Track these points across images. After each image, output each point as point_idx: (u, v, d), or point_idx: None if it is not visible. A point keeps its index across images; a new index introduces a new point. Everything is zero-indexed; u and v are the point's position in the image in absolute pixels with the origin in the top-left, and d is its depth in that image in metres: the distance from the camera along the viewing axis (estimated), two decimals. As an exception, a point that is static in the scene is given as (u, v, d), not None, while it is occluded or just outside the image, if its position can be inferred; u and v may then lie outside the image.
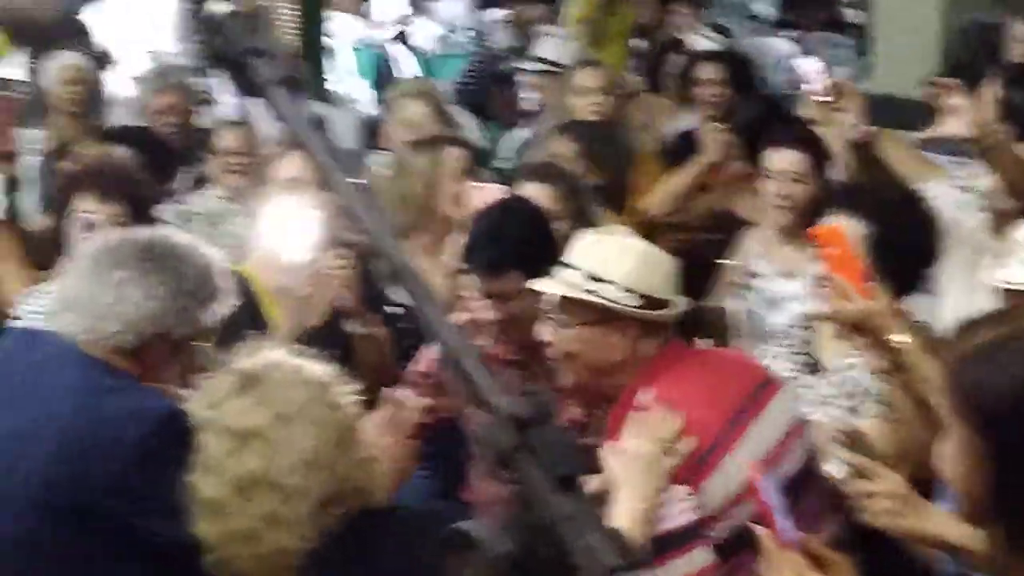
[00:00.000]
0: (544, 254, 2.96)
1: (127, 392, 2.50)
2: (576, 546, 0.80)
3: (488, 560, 0.91)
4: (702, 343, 3.42)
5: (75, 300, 2.53)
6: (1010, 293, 2.62)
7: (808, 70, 4.67)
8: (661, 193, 4.61)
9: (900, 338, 2.69)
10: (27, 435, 2.50)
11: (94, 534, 2.48)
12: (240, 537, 2.21)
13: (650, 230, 3.81)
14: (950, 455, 1.65)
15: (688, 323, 3.13)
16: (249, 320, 3.25)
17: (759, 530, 2.01)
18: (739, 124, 4.70)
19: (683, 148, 5.18)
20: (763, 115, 4.89)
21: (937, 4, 6.86)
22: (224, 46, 0.96)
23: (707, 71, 5.79)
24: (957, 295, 3.36)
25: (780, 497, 2.22)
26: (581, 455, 0.88)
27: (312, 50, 8.20)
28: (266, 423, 2.20)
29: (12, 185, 4.73)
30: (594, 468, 2.03)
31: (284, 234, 3.41)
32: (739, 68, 6.06)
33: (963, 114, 3.77)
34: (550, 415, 0.86)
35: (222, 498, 2.21)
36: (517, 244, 3.08)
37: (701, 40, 8.20)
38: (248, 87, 0.99)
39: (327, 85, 8.12)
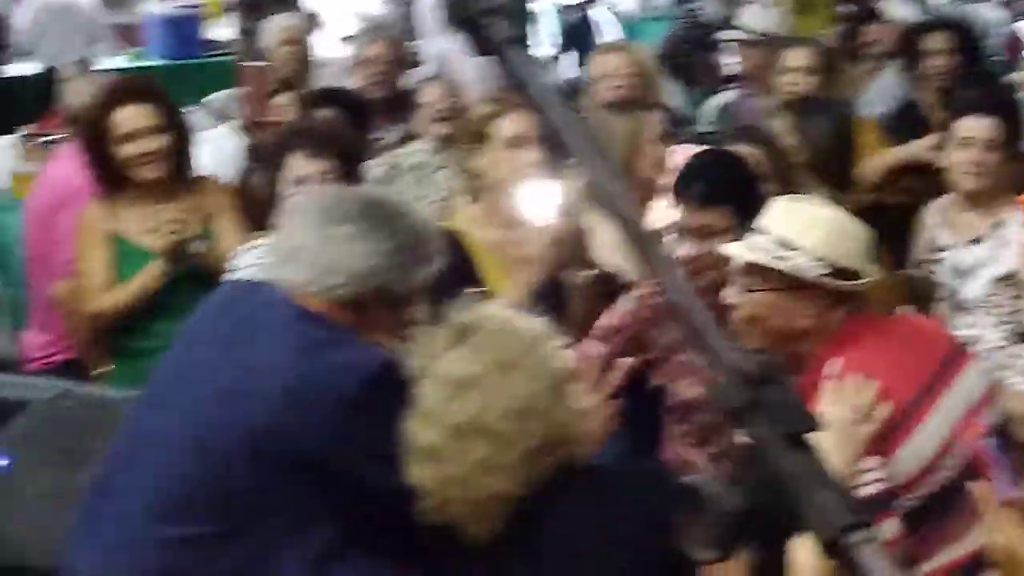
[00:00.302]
0: (752, 200, 3.03)
1: (345, 344, 2.60)
2: (807, 503, 0.82)
3: (718, 516, 0.92)
4: (903, 310, 3.42)
5: (297, 253, 2.61)
6: None
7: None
8: (880, 165, 4.49)
9: None
10: (244, 387, 2.56)
11: (312, 483, 2.58)
12: (455, 482, 2.32)
13: (863, 202, 3.92)
14: None
15: (891, 291, 3.39)
16: (461, 276, 3.26)
17: (976, 485, 2.05)
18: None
19: (906, 120, 5.07)
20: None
21: None
22: (462, 4, 1.01)
23: (935, 41, 5.54)
24: None
25: (998, 452, 2.44)
26: (811, 414, 0.87)
27: (516, 13, 8.78)
28: (482, 371, 2.30)
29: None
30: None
31: (519, 193, 3.42)
32: (966, 37, 5.79)
33: None
34: (781, 374, 0.88)
35: (438, 444, 2.31)
36: (728, 181, 3.19)
37: (900, 8, 8.08)
38: (483, 46, 1.02)
39: (530, 49, 8.84)
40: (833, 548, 0.86)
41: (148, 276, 3.87)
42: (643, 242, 0.96)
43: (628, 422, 3.33)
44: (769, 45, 5.53)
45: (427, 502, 2.37)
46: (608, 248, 3.55)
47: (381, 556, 2.67)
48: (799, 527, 0.89)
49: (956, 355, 2.66)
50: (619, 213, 0.97)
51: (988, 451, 2.35)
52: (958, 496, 2.28)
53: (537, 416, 2.32)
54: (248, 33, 8.15)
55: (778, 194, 3.08)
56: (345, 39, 6.69)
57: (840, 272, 2.59)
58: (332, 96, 4.92)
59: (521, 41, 1.10)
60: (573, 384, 2.47)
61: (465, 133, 3.99)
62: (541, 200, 3.45)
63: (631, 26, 10.42)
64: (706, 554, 0.97)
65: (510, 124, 3.73)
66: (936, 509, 2.35)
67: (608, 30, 9.94)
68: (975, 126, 3.59)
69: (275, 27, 5.79)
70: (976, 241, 3.52)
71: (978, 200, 3.56)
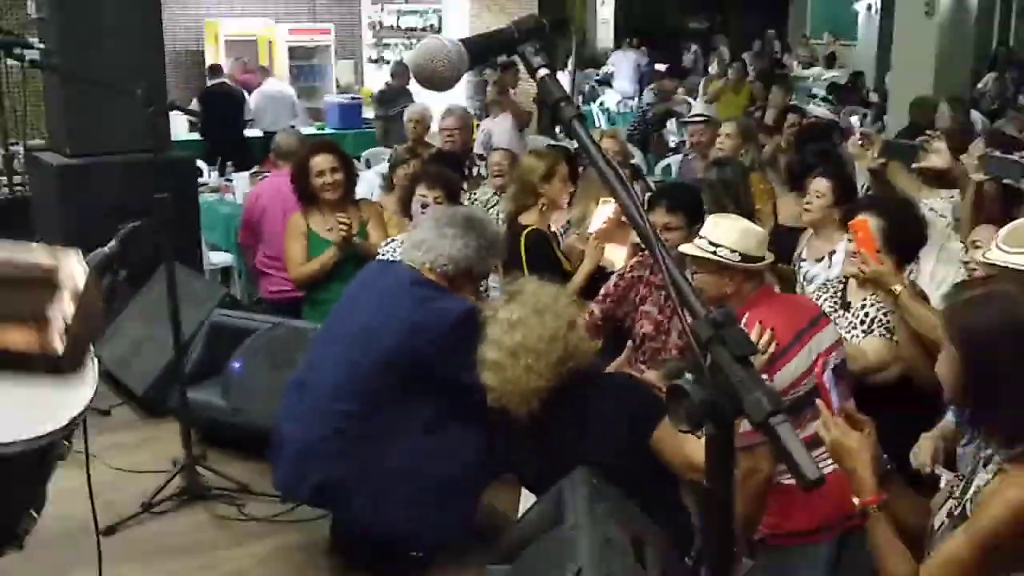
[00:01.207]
0: (698, 214, 3.83)
1: (446, 298, 3.15)
2: (747, 399, 1.03)
3: (692, 404, 1.12)
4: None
5: (421, 244, 3.22)
6: (986, 267, 3.19)
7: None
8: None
9: (898, 288, 3.26)
10: (384, 323, 3.13)
11: (420, 381, 3.13)
12: (509, 382, 2.80)
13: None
14: (945, 365, 2.09)
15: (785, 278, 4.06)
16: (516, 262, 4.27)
17: (819, 402, 2.45)
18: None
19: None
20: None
21: None
22: (547, 91, 1.29)
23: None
24: (931, 265, 4.13)
25: (832, 380, 2.86)
26: (751, 343, 1.08)
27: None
28: (524, 315, 2.81)
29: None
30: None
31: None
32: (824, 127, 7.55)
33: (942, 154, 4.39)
34: (733, 319, 1.08)
35: (500, 359, 2.81)
36: (685, 199, 3.96)
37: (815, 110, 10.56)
38: (558, 121, 1.28)
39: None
40: (763, 425, 1.05)
41: (327, 257, 4.57)
42: (650, 240, 1.19)
43: (610, 350, 3.76)
44: (708, 123, 6.83)
45: (492, 394, 2.80)
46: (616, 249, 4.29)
47: (465, 425, 3.15)
48: (729, 413, 1.09)
49: (819, 319, 3.17)
50: (637, 224, 1.21)
51: (828, 379, 2.89)
52: (807, 405, 2.72)
53: (558, 341, 2.79)
54: (383, 115, 10.26)
55: (711, 212, 3.78)
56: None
57: (747, 258, 3.14)
58: (440, 154, 6.07)
59: (581, 118, 1.29)
60: (579, 322, 2.93)
61: (514, 180, 5.00)
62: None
63: (612, 116, 13.87)
64: (683, 427, 1.10)
65: (563, 167, 4.66)
66: (793, 411, 2.79)
67: (600, 119, 13.56)
68: (821, 184, 4.38)
69: (409, 112, 7.41)
70: (819, 260, 4.30)
71: (821, 233, 4.35)
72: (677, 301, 1.18)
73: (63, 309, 1.58)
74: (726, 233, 3.20)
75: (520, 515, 2.97)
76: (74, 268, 1.59)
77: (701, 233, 3.25)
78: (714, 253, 3.16)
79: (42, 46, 4.52)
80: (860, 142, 5.09)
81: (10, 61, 3.95)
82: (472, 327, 2.99)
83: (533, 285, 3.00)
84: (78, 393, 1.75)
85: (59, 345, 1.58)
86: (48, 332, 1.56)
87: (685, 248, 3.22)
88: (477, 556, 2.95)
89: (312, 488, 3.17)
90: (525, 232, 4.47)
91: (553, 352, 2.84)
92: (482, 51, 1.37)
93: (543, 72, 1.33)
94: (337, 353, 3.22)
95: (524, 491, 3.21)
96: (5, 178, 5.72)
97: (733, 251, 3.18)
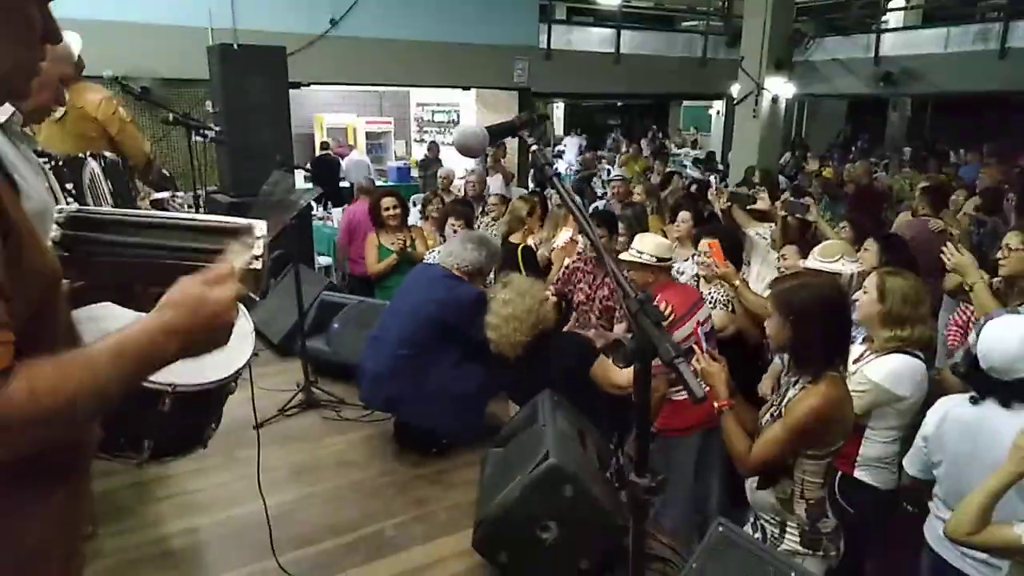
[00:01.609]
0: (614, 229, 3.95)
1: (465, 286, 3.07)
2: (660, 347, 1.00)
3: (627, 351, 1.12)
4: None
5: (451, 253, 3.16)
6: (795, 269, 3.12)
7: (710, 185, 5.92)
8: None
9: (738, 282, 3.28)
10: (425, 301, 3.05)
11: (452, 336, 3.02)
12: (504, 337, 2.77)
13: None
14: (773, 326, 2.04)
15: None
16: (510, 267, 3.97)
17: (695, 347, 2.46)
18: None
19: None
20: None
21: None
22: (535, 160, 1.25)
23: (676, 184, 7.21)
24: (757, 268, 4.12)
25: (704, 336, 2.91)
26: (661, 313, 1.05)
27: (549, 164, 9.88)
28: (513, 296, 2.79)
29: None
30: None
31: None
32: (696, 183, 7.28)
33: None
34: (651, 298, 1.07)
35: (498, 323, 2.78)
36: (609, 220, 4.04)
37: (692, 173, 10.68)
38: (542, 177, 1.39)
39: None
40: (670, 364, 1.03)
41: (391, 260, 4.53)
42: (599, 247, 1.16)
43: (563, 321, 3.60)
44: (623, 180, 6.66)
45: (492, 345, 2.77)
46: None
47: (477, 363, 3.07)
48: (650, 356, 1.06)
49: (699, 301, 3.17)
50: (591, 236, 1.18)
51: (702, 335, 2.94)
52: (691, 352, 2.51)
53: (534, 312, 2.77)
54: (423, 174, 10.24)
55: (628, 233, 3.81)
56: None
57: (660, 260, 3.13)
58: (463, 199, 5.90)
59: (558, 176, 1.27)
60: (547, 301, 2.91)
61: (505, 214, 4.90)
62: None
63: (563, 177, 13.08)
64: (621, 364, 1.31)
65: (538, 207, 4.61)
66: (686, 356, 2.93)
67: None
68: (684, 216, 4.35)
69: (441, 172, 7.31)
70: (684, 260, 4.13)
71: (683, 243, 4.22)
72: (616, 285, 1.14)
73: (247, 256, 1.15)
74: (647, 245, 3.20)
75: (510, 418, 2.94)
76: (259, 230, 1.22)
77: (632, 246, 3.27)
78: (640, 256, 3.18)
79: (217, 129, 4.49)
80: (715, 192, 5.15)
81: (197, 138, 3.90)
82: (481, 304, 2.95)
83: (519, 277, 2.97)
84: (246, 344, 1.72)
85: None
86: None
87: (624, 256, 3.24)
88: (482, 443, 2.88)
89: (383, 400, 3.13)
90: (520, 248, 4.45)
91: (530, 319, 2.79)
92: (497, 134, 1.34)
93: (535, 147, 1.30)
94: (398, 319, 3.14)
95: (511, 404, 3.15)
96: (193, 210, 5.64)
97: (652, 256, 3.20)
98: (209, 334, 0.96)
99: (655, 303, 1.09)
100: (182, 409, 1.51)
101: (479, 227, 5.21)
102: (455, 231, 4.37)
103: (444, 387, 2.97)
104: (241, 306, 1.14)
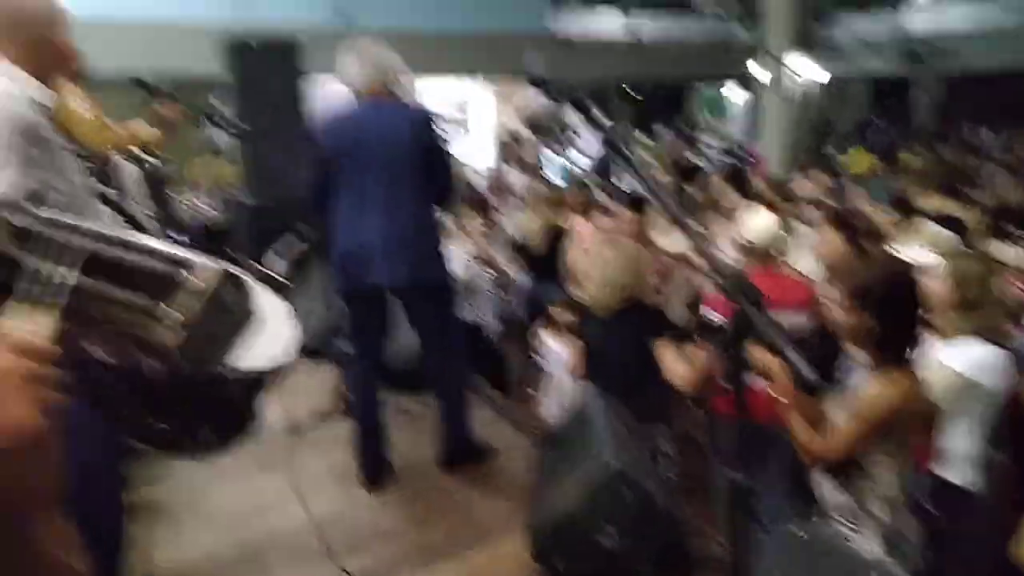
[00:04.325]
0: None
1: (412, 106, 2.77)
2: (767, 331, 0.99)
3: (723, 334, 1.08)
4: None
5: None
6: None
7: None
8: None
9: None
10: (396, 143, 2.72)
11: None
12: (596, 296, 2.84)
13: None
14: (846, 314, 1.92)
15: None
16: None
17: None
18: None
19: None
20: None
21: None
22: (620, 153, 1.20)
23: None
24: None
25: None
26: (761, 293, 1.02)
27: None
28: (616, 258, 2.78)
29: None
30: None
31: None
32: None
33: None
34: (747, 277, 1.05)
35: (596, 281, 2.84)
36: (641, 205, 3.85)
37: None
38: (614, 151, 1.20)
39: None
40: (776, 350, 1.02)
41: None
42: (682, 225, 1.10)
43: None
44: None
45: (589, 303, 2.79)
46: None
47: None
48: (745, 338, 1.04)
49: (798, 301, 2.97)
50: (670, 211, 1.13)
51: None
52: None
53: (632, 284, 2.82)
54: None
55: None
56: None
57: (748, 243, 3.04)
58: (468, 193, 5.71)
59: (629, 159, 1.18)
60: (647, 272, 2.89)
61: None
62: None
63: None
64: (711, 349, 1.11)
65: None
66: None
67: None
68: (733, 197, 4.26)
69: None
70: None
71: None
72: (709, 266, 1.11)
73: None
74: (747, 229, 3.12)
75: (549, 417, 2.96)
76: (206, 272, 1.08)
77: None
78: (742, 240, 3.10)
79: (244, 127, 4.68)
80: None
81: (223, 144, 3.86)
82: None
83: (628, 242, 3.03)
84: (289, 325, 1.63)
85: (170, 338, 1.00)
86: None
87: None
88: (524, 443, 2.96)
89: (406, 277, 2.86)
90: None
91: (627, 288, 2.81)
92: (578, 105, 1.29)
93: (607, 123, 1.27)
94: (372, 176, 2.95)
95: (543, 400, 3.19)
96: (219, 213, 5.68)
97: (748, 240, 3.16)
98: None
99: (751, 283, 1.06)
100: (241, 395, 1.45)
101: (503, 221, 5.24)
102: (479, 228, 4.42)
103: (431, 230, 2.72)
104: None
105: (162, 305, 1.05)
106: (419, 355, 2.95)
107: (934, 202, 4.45)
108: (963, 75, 13.01)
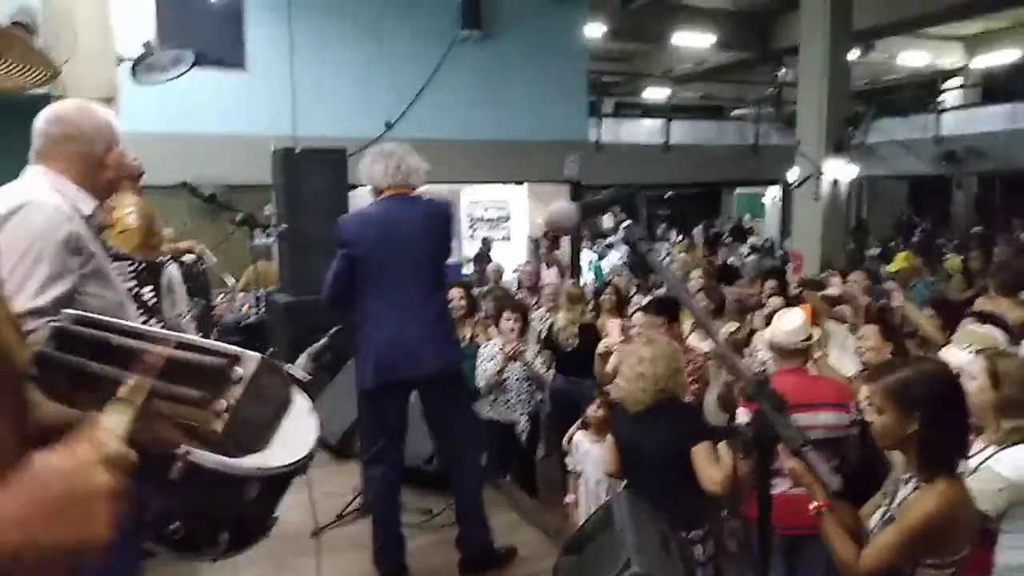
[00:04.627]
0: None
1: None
2: (784, 433, 0.98)
3: (747, 439, 1.28)
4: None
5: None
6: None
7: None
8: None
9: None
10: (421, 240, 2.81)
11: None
12: (630, 392, 2.79)
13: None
14: (887, 421, 1.80)
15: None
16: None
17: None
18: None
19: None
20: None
21: None
22: (638, 252, 1.23)
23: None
24: (835, 354, 3.72)
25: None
26: (783, 398, 1.01)
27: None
28: (651, 356, 2.76)
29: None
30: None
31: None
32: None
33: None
34: (769, 381, 1.05)
35: (629, 377, 2.79)
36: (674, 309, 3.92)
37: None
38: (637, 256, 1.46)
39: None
40: (797, 452, 0.99)
41: None
42: (709, 328, 1.29)
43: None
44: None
45: (621, 398, 2.79)
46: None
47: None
48: (780, 442, 1.01)
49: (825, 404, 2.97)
50: (697, 314, 1.26)
51: None
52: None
53: (665, 378, 2.77)
54: (476, 269, 10.33)
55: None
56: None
57: (774, 344, 3.04)
58: (506, 294, 5.97)
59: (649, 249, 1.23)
60: (681, 371, 2.86)
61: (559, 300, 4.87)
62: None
63: (613, 269, 11.37)
64: (740, 453, 1.20)
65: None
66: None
67: (604, 269, 11.46)
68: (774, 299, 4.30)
69: (490, 267, 7.64)
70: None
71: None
72: (729, 370, 1.08)
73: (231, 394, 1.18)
74: (773, 331, 3.09)
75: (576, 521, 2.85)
76: (247, 363, 1.21)
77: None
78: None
79: (283, 226, 4.89)
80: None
81: (259, 241, 4.07)
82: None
83: (663, 340, 2.97)
84: (310, 436, 1.65)
85: (218, 425, 1.19)
86: (209, 413, 1.19)
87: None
88: (549, 552, 2.80)
89: (436, 366, 2.92)
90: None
91: (659, 383, 2.76)
92: (590, 210, 1.34)
93: (627, 223, 1.30)
94: (404, 272, 3.06)
95: (573, 506, 3.15)
96: (255, 310, 5.85)
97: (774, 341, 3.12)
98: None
99: (773, 387, 1.03)
100: (264, 494, 1.45)
101: (535, 319, 5.22)
102: (512, 326, 4.34)
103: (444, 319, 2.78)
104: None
105: (220, 399, 1.19)
106: (437, 451, 2.93)
107: (1000, 303, 4.28)
108: (998, 174, 12.97)
